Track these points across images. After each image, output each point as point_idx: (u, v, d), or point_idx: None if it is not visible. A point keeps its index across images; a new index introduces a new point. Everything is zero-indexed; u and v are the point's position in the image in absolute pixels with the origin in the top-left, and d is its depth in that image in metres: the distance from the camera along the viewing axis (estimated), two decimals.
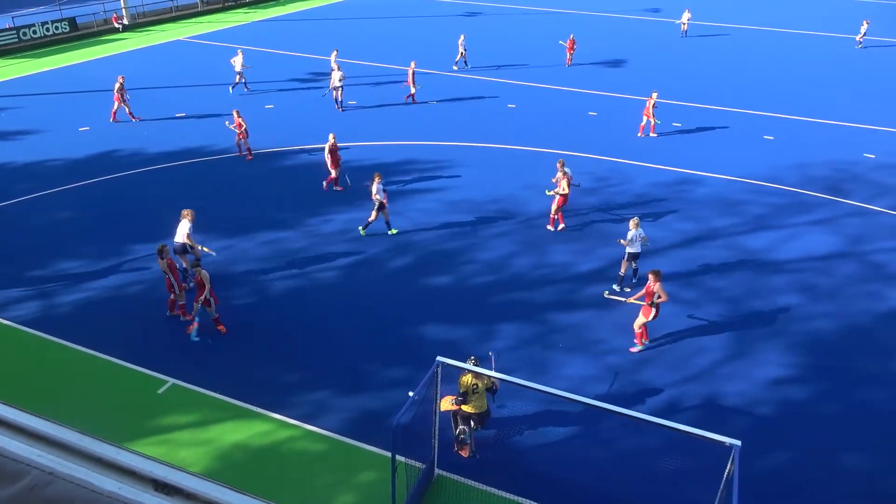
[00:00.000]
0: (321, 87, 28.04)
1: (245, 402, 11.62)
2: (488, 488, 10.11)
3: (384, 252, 16.49)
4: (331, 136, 18.81)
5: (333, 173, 19.03)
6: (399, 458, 8.95)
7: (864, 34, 37.23)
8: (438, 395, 9.73)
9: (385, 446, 10.23)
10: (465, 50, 31.30)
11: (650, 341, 13.30)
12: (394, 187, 19.37)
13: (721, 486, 8.44)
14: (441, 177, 20.56)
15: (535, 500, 9.94)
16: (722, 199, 19.44)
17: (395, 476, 8.92)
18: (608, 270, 15.77)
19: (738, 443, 8.21)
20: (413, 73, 26.23)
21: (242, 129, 20.47)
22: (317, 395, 11.86)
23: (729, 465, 8.19)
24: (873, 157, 22.94)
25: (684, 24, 38.78)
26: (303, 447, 10.82)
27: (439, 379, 9.58)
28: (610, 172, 20.89)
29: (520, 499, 9.97)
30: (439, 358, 9.42)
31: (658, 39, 38.80)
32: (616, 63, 33.62)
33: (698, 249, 16.66)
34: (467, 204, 19.03)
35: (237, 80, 27.24)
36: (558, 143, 23.01)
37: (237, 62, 27.01)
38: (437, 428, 10.00)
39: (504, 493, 10.03)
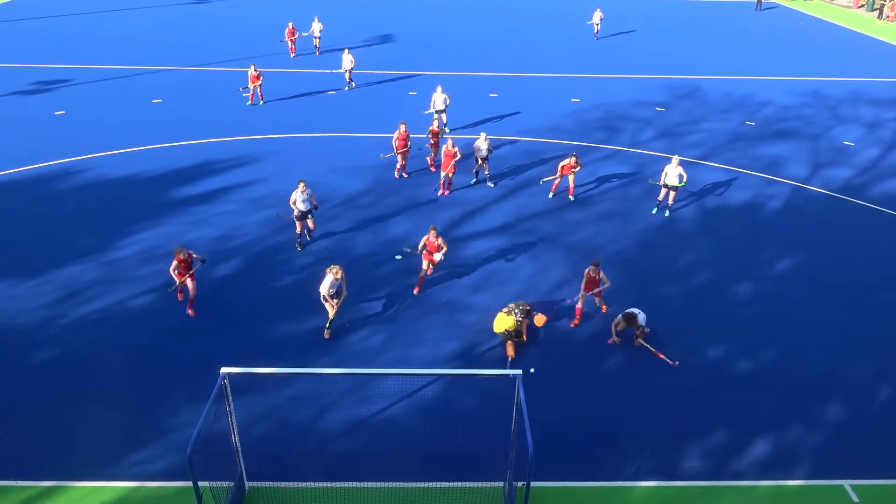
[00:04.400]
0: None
1: (11, 479, 9.98)
2: (304, 484, 9.99)
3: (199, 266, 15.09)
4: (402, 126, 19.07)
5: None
6: (203, 483, 8.44)
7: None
8: (231, 408, 9.26)
9: (186, 477, 9.53)
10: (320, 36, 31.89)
11: None
12: (194, 190, 18.46)
13: (514, 413, 9.28)
14: (237, 175, 19.55)
15: (351, 481, 10.06)
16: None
17: (202, 503, 8.41)
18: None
19: (520, 372, 9.10)
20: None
21: None
22: (96, 449, 10.57)
23: (515, 393, 9.04)
24: (578, 100, 26.50)
25: (596, 24, 36.31)
26: None
27: (229, 391, 9.12)
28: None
29: (336, 483, 10.00)
30: (224, 369, 8.96)
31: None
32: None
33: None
34: (272, 198, 18.24)
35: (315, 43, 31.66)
36: (355, 126, 23.08)
37: (315, 28, 31.35)
38: (237, 441, 9.55)
39: (320, 484, 9.99)
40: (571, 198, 18.80)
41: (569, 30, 38.53)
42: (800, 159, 22.13)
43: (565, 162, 18.39)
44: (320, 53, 31.70)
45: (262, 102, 25.02)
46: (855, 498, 10.17)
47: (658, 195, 18.21)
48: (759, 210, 18.78)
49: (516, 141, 22.68)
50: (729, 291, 15.07)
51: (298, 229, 15.88)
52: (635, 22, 40.79)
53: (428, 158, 20.35)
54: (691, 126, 24.63)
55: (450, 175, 18.65)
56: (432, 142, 20.01)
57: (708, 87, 28.94)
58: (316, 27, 31.56)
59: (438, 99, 22.29)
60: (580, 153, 21.61)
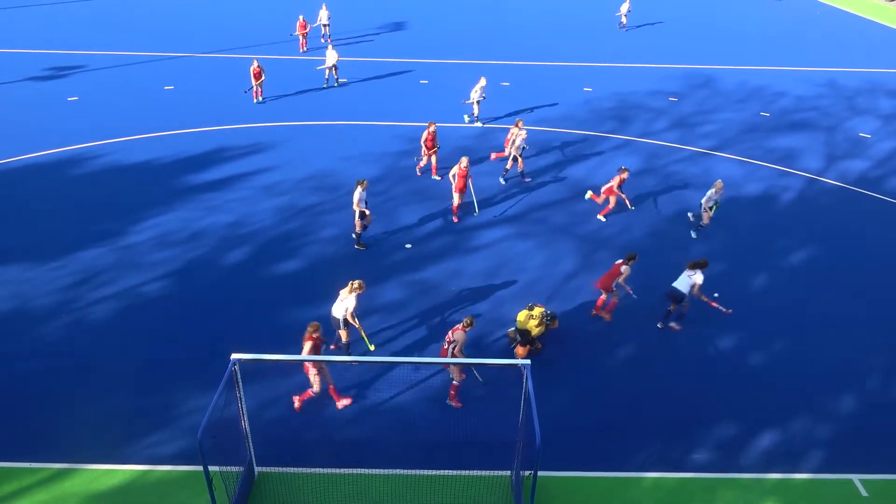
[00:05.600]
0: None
1: (25, 461, 10.14)
2: (313, 469, 10.07)
3: (211, 252, 15.34)
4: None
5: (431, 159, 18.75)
6: (213, 468, 8.53)
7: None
8: (241, 394, 9.34)
9: (197, 462, 9.63)
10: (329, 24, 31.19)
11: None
12: (206, 177, 18.54)
13: (522, 403, 9.29)
14: (250, 162, 19.60)
15: (359, 467, 10.12)
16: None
17: (213, 488, 8.51)
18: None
19: (528, 362, 9.10)
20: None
21: None
22: (107, 433, 10.70)
23: (524, 383, 9.05)
24: (590, 89, 26.33)
25: (623, 15, 35.47)
26: (98, 488, 9.77)
27: (239, 377, 9.20)
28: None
29: (343, 470, 10.07)
30: (234, 356, 9.03)
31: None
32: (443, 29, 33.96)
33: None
34: (285, 185, 18.41)
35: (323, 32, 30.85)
36: (368, 114, 23.11)
37: (323, 16, 30.54)
38: (247, 427, 9.64)
39: (329, 470, 10.07)
40: (602, 218, 17.22)
41: (582, 18, 38.19)
42: (815, 151, 21.87)
43: (612, 182, 16.74)
44: (331, 41, 31.40)
45: (259, 100, 23.89)
46: (864, 492, 10.13)
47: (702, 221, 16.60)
48: (773, 202, 18.60)
49: (527, 130, 22.51)
50: (741, 283, 14.97)
51: (360, 228, 15.48)
52: (651, 12, 40.34)
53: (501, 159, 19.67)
54: (705, 116, 24.38)
55: (461, 198, 16.71)
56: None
57: (723, 77, 28.62)
58: (323, 14, 30.87)
59: (477, 89, 21.90)
60: (592, 142, 21.55)
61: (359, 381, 11.73)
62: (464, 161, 16.46)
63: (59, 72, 26.46)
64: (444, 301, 13.92)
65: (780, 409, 11.59)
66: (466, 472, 10.07)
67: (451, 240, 16.18)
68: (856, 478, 10.37)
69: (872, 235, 17.15)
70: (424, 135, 18.41)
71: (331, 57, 25.26)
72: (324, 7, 31.07)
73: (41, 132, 21.03)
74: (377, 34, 33.46)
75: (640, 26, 36.71)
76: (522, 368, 9.07)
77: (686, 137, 22.41)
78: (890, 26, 39.42)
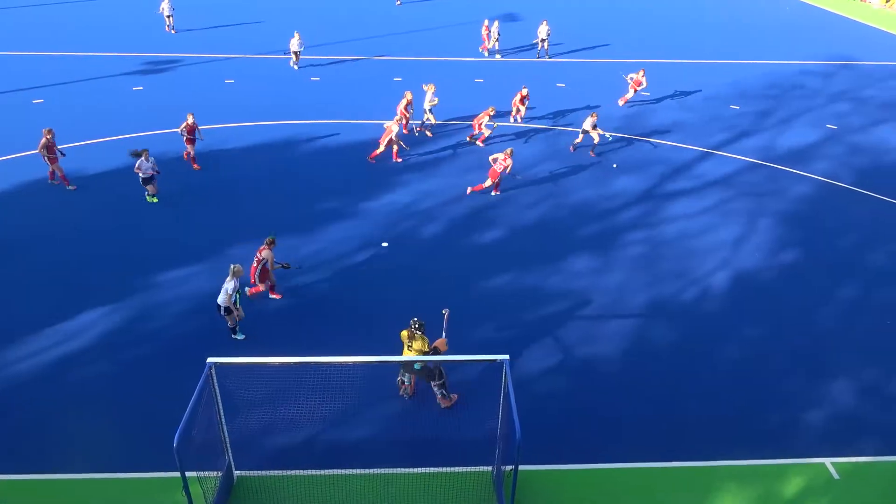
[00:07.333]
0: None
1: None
2: (292, 472, 9.99)
3: (183, 256, 14.92)
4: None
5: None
6: (190, 473, 8.42)
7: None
8: (218, 398, 9.23)
9: (174, 468, 9.49)
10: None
11: None
12: (176, 180, 17.77)
13: (501, 398, 9.32)
14: (220, 162, 19.52)
15: (339, 468, 10.07)
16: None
17: (189, 494, 8.40)
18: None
19: (507, 357, 9.12)
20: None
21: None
22: (81, 441, 10.51)
23: (503, 377, 9.08)
24: (563, 85, 26.48)
25: (543, 39, 29.70)
26: (74, 498, 9.58)
27: (215, 380, 9.09)
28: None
29: (323, 471, 10.01)
30: (210, 359, 8.92)
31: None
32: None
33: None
34: (252, 184, 18.31)
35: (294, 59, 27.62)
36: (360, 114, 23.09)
37: (294, 43, 27.10)
38: (224, 431, 9.53)
39: (309, 472, 10.00)
40: None
41: (574, 17, 38.35)
42: (805, 148, 22.01)
43: None
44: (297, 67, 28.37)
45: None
46: (836, 475, 10.35)
47: None
48: (770, 200, 18.68)
49: (525, 130, 22.57)
50: (722, 277, 15.18)
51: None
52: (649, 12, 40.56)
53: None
54: (694, 112, 24.60)
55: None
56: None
57: (710, 71, 28.92)
58: (294, 42, 27.09)
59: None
60: (557, 135, 21.61)
61: (336, 381, 11.60)
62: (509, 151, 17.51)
63: (24, 74, 25.82)
64: (420, 298, 13.89)
65: (754, 398, 11.79)
66: (447, 469, 10.06)
67: (430, 236, 16.15)
68: (828, 461, 10.60)
69: (868, 234, 17.33)
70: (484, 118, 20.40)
71: (295, 43, 26.24)
72: (296, 35, 27.20)
73: (5, 136, 20.51)
74: (346, 29, 33.24)
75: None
76: (502, 363, 9.09)
77: (685, 137, 22.50)
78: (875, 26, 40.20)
